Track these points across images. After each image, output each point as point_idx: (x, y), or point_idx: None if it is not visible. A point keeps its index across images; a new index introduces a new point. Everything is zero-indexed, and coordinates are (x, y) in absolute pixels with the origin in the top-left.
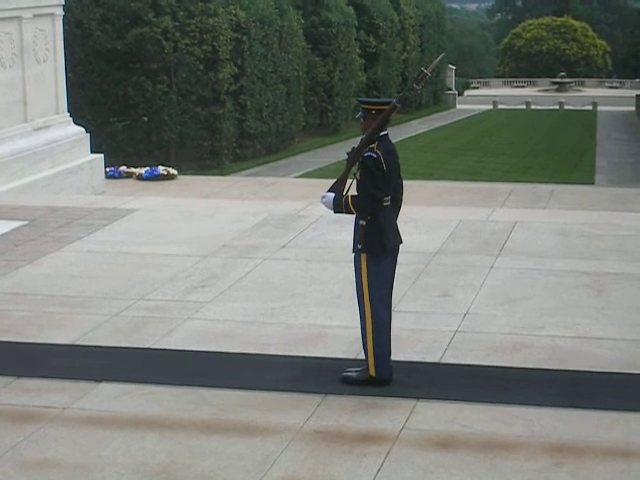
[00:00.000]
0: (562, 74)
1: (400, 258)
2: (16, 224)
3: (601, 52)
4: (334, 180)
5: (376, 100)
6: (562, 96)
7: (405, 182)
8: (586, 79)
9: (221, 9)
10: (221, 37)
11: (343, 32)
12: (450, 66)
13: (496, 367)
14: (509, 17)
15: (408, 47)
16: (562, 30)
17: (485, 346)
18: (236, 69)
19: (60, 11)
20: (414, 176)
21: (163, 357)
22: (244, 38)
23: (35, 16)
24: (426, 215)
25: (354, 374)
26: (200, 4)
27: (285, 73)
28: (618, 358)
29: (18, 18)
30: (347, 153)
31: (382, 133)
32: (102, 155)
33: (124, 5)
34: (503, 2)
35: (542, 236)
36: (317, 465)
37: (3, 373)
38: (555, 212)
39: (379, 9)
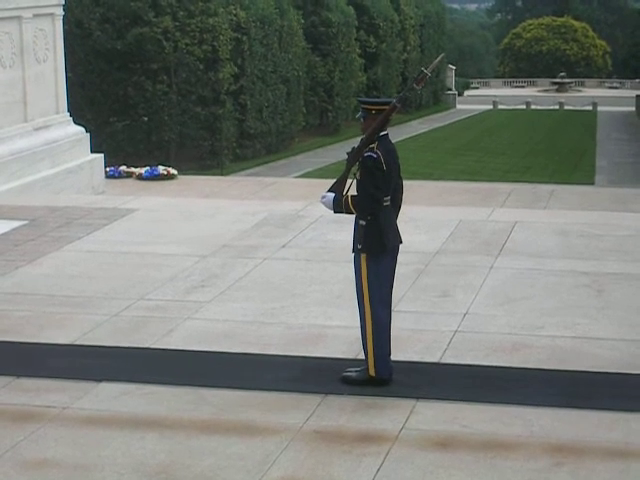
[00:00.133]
0: (562, 74)
1: (400, 258)
2: (16, 224)
3: (601, 52)
4: (334, 180)
5: (376, 100)
6: (562, 96)
7: (405, 182)
8: (586, 79)
9: (221, 9)
10: (221, 37)
11: (343, 32)
12: (450, 66)
13: (496, 367)
14: (509, 17)
15: (408, 47)
16: (562, 30)
17: (485, 346)
18: (236, 69)
19: (60, 11)
20: (414, 176)
21: (163, 357)
22: (244, 38)
23: (35, 16)
24: (426, 215)
25: (354, 374)
26: (200, 4)
27: (285, 73)
28: (618, 358)
29: (18, 18)
30: (347, 153)
31: (382, 133)
32: (102, 155)
33: (124, 5)
34: (503, 2)
35: (542, 236)
36: (317, 465)
37: (3, 373)
38: (555, 212)
39: (379, 9)
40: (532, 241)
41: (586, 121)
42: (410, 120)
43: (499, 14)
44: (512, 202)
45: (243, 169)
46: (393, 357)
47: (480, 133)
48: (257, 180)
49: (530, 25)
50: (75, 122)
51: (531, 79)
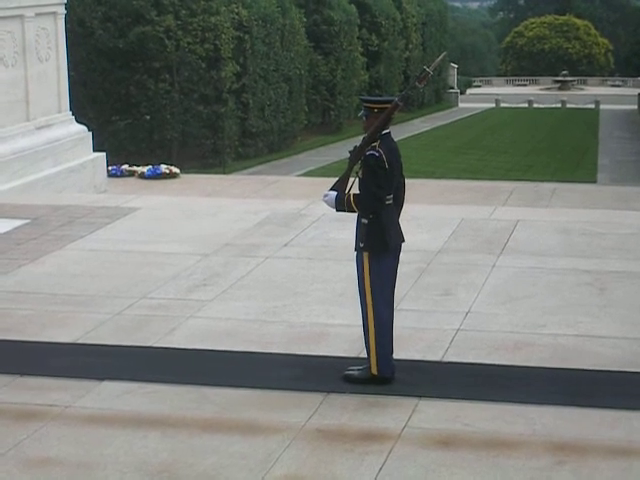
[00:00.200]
0: (564, 72)
1: (402, 257)
2: (18, 223)
3: (603, 50)
4: (336, 179)
5: (378, 98)
6: (564, 94)
7: (407, 180)
8: (588, 77)
9: (223, 7)
10: (223, 35)
11: (345, 30)
12: (452, 64)
13: (498, 365)
14: (511, 15)
15: (410, 45)
16: (564, 28)
17: (487, 344)
18: (238, 67)
19: (62, 10)
20: (416, 174)
21: (165, 356)
22: (246, 36)
23: (37, 15)
24: (428, 214)
25: (356, 373)
26: (202, 2)
27: (287, 71)
28: (620, 356)
29: (20, 17)
30: (349, 152)
31: (384, 131)
32: (104, 154)
33: (126, 4)
34: (505, 0)
35: (544, 234)
36: (319, 464)
37: (6, 372)
38: (557, 210)
39: (381, 7)
40: (534, 239)
41: (588, 119)
42: (412, 118)
43: (501, 12)
44: (514, 200)
45: (245, 168)
46: (395, 355)
47: (482, 131)
48: (259, 179)
49: (532, 23)
50: (77, 121)
51: (533, 77)
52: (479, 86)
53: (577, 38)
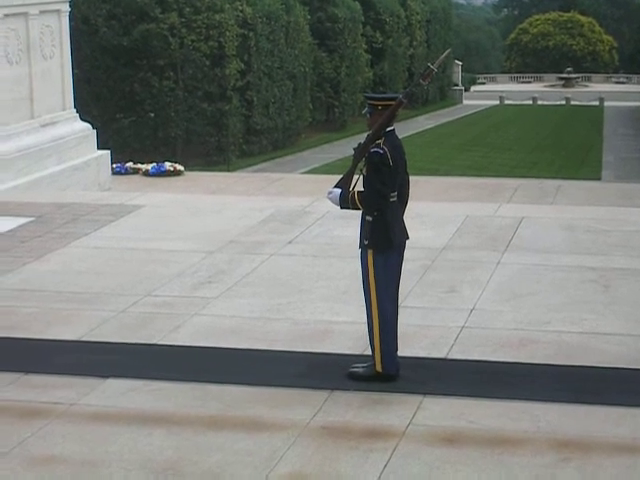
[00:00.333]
0: (569, 69)
1: (406, 254)
2: (22, 220)
3: (608, 47)
4: (340, 176)
5: (382, 96)
6: (569, 91)
7: (411, 178)
8: (593, 74)
9: (227, 5)
10: (227, 33)
11: (349, 28)
12: (456, 62)
13: (502, 363)
14: (515, 12)
15: (414, 43)
16: (569, 25)
17: (492, 342)
18: (242, 65)
19: (66, 7)
20: (420, 172)
21: (170, 353)
22: (250, 34)
23: (41, 12)
24: (432, 211)
25: (361, 370)
26: (206, 0)
27: (291, 69)
28: (625, 353)
29: (24, 14)
30: (354, 149)
31: (389, 129)
32: (108, 151)
33: (130, 1)
34: None
35: (549, 232)
36: (324, 461)
37: (11, 369)
38: (562, 208)
39: (385, 5)
40: (539, 237)
41: (593, 116)
42: (416, 116)
43: (505, 9)
44: (519, 198)
45: (249, 165)
46: (400, 353)
47: (487, 129)
48: (263, 176)
49: (537, 20)
50: (81, 118)
51: (538, 74)
52: (483, 83)
53: (581, 35)
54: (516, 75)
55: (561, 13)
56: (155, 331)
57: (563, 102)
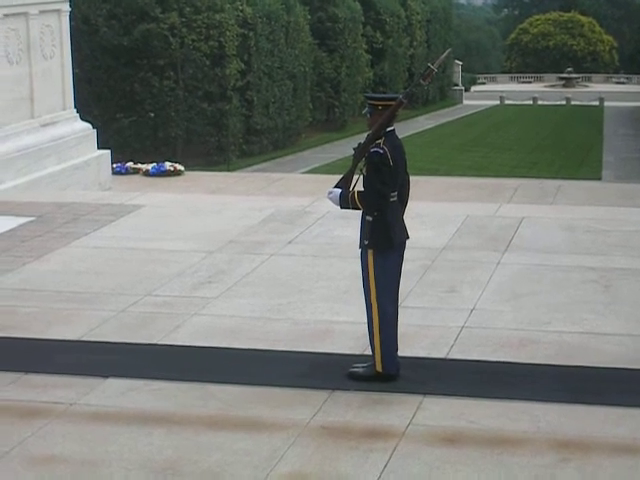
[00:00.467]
0: (569, 69)
1: (407, 254)
2: (23, 220)
3: (608, 48)
4: (341, 176)
5: (383, 96)
6: (569, 91)
7: (411, 178)
8: (593, 74)
9: (228, 5)
10: (228, 33)
11: (350, 28)
12: (457, 62)
13: (503, 363)
14: (516, 12)
15: (415, 43)
16: (569, 25)
17: (492, 342)
18: (243, 65)
19: (67, 7)
20: (420, 172)
21: (170, 353)
22: (251, 34)
23: (42, 12)
24: (433, 211)
25: (361, 370)
26: (207, 0)
27: (292, 69)
28: (625, 354)
29: (25, 14)
30: (354, 149)
31: (389, 129)
32: (109, 151)
33: (131, 1)
34: None
35: (549, 232)
36: (324, 461)
37: (11, 369)
38: (562, 208)
39: (386, 5)
40: (539, 237)
41: (593, 116)
42: (417, 116)
43: (506, 9)
44: (519, 198)
45: (250, 165)
46: (400, 353)
47: (487, 129)
48: (264, 176)
49: (537, 20)
50: (82, 118)
51: (538, 74)
52: (484, 83)
53: (582, 35)
54: (516, 75)
55: (561, 13)
56: (155, 331)
57: (563, 102)
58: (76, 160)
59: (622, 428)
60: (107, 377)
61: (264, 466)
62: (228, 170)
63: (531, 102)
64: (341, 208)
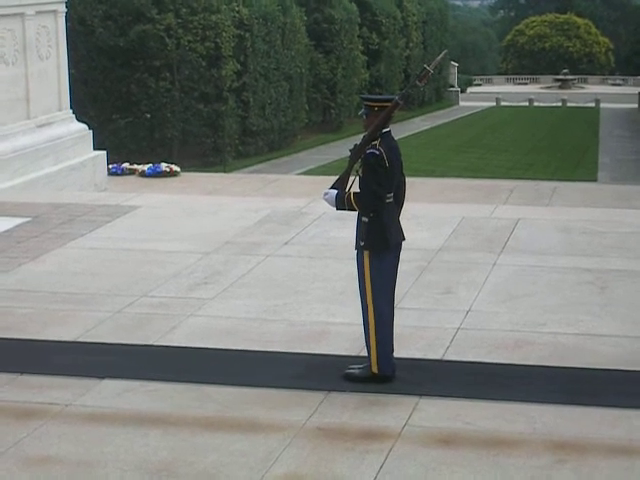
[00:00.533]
0: (565, 71)
1: (403, 255)
2: (19, 221)
3: (604, 49)
4: (337, 177)
5: (379, 97)
6: (565, 93)
7: (407, 179)
8: (589, 76)
9: (224, 6)
10: (224, 34)
11: (346, 29)
12: (453, 63)
13: (498, 364)
14: (512, 14)
15: (411, 44)
16: (565, 27)
17: (487, 343)
18: (239, 66)
19: (63, 8)
20: (416, 173)
21: (166, 354)
22: (247, 35)
23: (38, 13)
24: (428, 212)
25: (357, 371)
26: (203, 1)
27: (288, 70)
28: (620, 355)
29: (21, 15)
30: (350, 150)
31: (385, 130)
32: (105, 152)
33: (127, 2)
34: None
35: (545, 233)
36: (320, 462)
37: (6, 370)
38: (558, 209)
39: (382, 6)
40: (535, 238)
41: (589, 118)
42: (413, 117)
43: (502, 11)
44: (515, 199)
45: (246, 166)
46: (396, 354)
47: (483, 130)
48: (260, 177)
49: (533, 22)
50: (78, 119)
51: (534, 76)
52: (480, 84)
53: (578, 37)
54: (512, 77)
55: (557, 15)
56: (151, 332)
57: (559, 104)
58: (72, 161)
59: (618, 429)
60: (103, 378)
61: (260, 467)
62: (224, 171)
63: (527, 104)
64: (337, 209)
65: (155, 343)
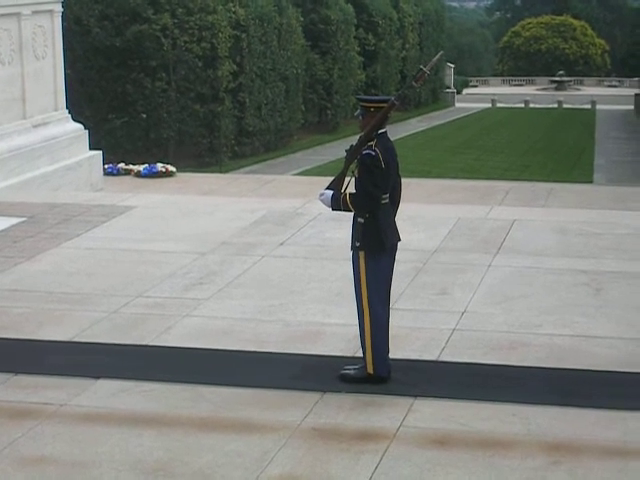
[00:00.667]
0: (561, 73)
1: (398, 256)
2: (14, 221)
3: (600, 51)
4: (332, 178)
5: (375, 98)
6: (561, 95)
7: (403, 180)
8: (585, 78)
9: (220, 6)
10: (220, 34)
11: (342, 30)
12: (449, 64)
13: (493, 365)
14: (508, 15)
15: (407, 45)
16: (561, 29)
17: (483, 344)
18: (235, 66)
19: (59, 8)
20: (412, 174)
21: (161, 354)
22: (243, 35)
23: (34, 12)
24: (424, 213)
25: (352, 372)
26: (199, 1)
27: (284, 71)
28: (616, 357)
29: (17, 14)
30: (346, 151)
31: (381, 131)
32: (101, 152)
33: (123, 2)
34: (502, 0)
35: (540, 234)
36: (315, 462)
37: (1, 370)
38: (553, 210)
39: (378, 7)
40: (530, 239)
41: (585, 119)
42: (409, 118)
43: (498, 12)
44: (511, 200)
45: (242, 167)
46: (391, 355)
47: (479, 131)
48: (256, 177)
49: (529, 24)
50: (74, 119)
51: (530, 77)
52: (476, 86)
53: (574, 38)
54: (508, 78)
55: (553, 16)
56: (146, 332)
57: (555, 105)
58: (68, 161)
59: (613, 431)
60: (98, 378)
61: (255, 468)
62: (220, 171)
63: (523, 105)
64: (332, 210)
65: (150, 343)
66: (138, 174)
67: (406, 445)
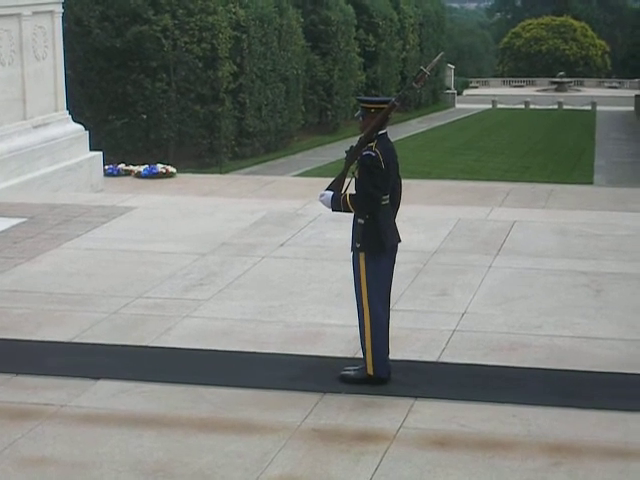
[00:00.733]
0: (561, 74)
1: (398, 257)
2: (15, 221)
3: (600, 52)
4: (333, 178)
5: (375, 99)
6: (561, 96)
7: (404, 181)
8: (585, 79)
9: (220, 7)
10: (220, 35)
11: (342, 31)
12: (449, 65)
13: (494, 366)
14: (508, 16)
15: (407, 46)
16: (561, 30)
17: (483, 345)
18: (235, 67)
19: (59, 8)
20: (413, 175)
21: (161, 355)
22: (243, 36)
23: (34, 13)
24: (425, 214)
25: (352, 373)
26: (199, 2)
27: (284, 71)
28: (616, 358)
29: (18, 15)
30: (346, 152)
31: (381, 132)
32: (101, 153)
33: (123, 3)
34: (502, 1)
35: (541, 236)
36: (315, 463)
37: (1, 370)
38: (554, 212)
39: (378, 8)
40: (531, 240)
41: (585, 121)
42: (409, 119)
43: (498, 13)
44: (511, 201)
45: (242, 167)
46: (391, 356)
47: (479, 132)
48: (256, 178)
49: (529, 25)
50: (74, 120)
51: (530, 78)
52: (476, 87)
53: (574, 39)
54: (509, 79)
55: (554, 17)
56: (146, 333)
57: (555, 106)
58: (68, 162)
59: (614, 432)
60: (98, 379)
61: (255, 469)
62: (220, 172)
63: (523, 106)
64: (332, 211)
65: (150, 344)
66: (138, 175)
67: (406, 446)
